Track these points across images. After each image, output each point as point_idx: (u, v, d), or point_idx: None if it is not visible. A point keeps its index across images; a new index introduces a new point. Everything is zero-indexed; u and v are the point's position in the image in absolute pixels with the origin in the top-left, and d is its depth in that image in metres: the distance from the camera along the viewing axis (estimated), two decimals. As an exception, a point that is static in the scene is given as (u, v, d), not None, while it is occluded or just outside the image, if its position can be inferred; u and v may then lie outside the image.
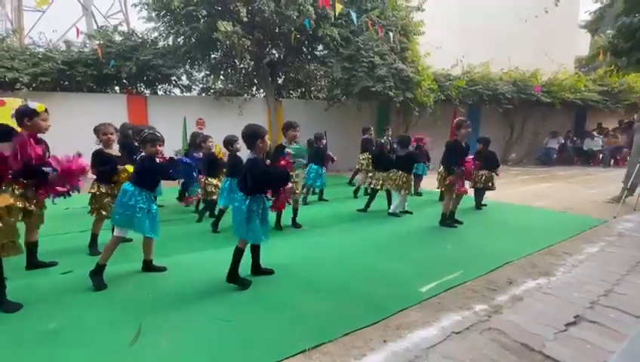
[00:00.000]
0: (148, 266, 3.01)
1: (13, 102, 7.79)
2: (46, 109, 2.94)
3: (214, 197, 4.91)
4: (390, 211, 5.16)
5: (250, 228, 2.65)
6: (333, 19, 9.34)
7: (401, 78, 9.52)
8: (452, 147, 4.54)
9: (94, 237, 3.50)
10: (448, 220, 4.57)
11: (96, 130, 3.50)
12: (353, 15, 7.92)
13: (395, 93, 9.37)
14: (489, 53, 13.14)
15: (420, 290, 2.66)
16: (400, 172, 5.10)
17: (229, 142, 4.63)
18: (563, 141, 14.03)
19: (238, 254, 2.73)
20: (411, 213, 5.28)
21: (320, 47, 11.27)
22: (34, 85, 8.63)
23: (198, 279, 2.85)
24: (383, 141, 5.85)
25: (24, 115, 2.80)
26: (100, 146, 3.44)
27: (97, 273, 2.72)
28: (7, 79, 8.15)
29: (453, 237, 4.15)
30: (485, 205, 5.59)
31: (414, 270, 3.09)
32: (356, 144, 8.26)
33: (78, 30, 9.34)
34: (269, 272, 2.94)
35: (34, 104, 2.90)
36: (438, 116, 11.40)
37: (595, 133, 14.13)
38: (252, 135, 2.70)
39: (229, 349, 1.95)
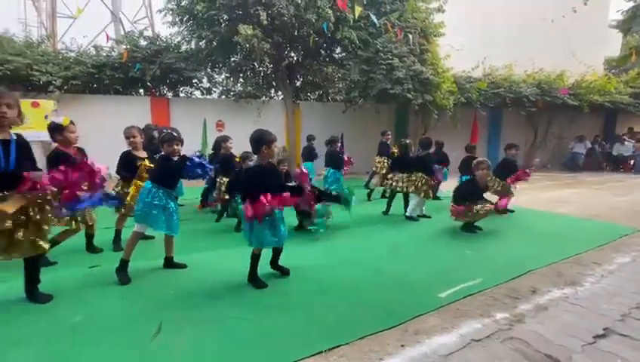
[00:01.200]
0: (169, 263, 3.10)
1: (47, 104, 8.22)
2: (71, 121, 3.07)
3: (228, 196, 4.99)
4: (407, 214, 5.09)
5: (254, 234, 2.66)
6: (352, 21, 9.35)
7: (420, 80, 9.41)
8: (468, 185, 4.59)
9: (118, 234, 3.64)
10: (469, 225, 4.47)
11: (126, 132, 3.66)
12: (373, 18, 7.90)
13: (414, 96, 9.26)
14: (511, 55, 12.79)
15: (438, 296, 2.61)
16: (420, 173, 5.05)
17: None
18: (590, 146, 13.42)
19: (253, 259, 2.77)
20: (429, 217, 5.19)
21: (338, 50, 11.29)
22: (65, 88, 9.07)
23: (218, 277, 2.91)
24: (408, 141, 5.79)
25: (54, 130, 2.98)
26: (129, 148, 3.59)
27: (122, 268, 2.83)
28: (41, 82, 8.60)
29: (473, 243, 4.05)
30: (512, 211, 5.40)
31: (432, 275, 3.03)
32: (374, 147, 8.22)
33: (107, 35, 9.74)
34: (285, 272, 2.95)
35: (59, 119, 3.06)
36: (457, 119, 11.19)
37: (625, 137, 13.45)
38: (258, 140, 2.70)
39: (247, 346, 1.97)
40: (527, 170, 5.26)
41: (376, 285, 2.82)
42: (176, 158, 2.95)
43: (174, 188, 3.05)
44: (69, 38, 10.78)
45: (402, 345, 2.01)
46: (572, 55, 13.02)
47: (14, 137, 2.26)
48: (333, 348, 1.96)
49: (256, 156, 2.85)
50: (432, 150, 5.45)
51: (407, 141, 5.82)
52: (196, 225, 4.69)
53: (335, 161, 6.19)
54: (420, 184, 5.01)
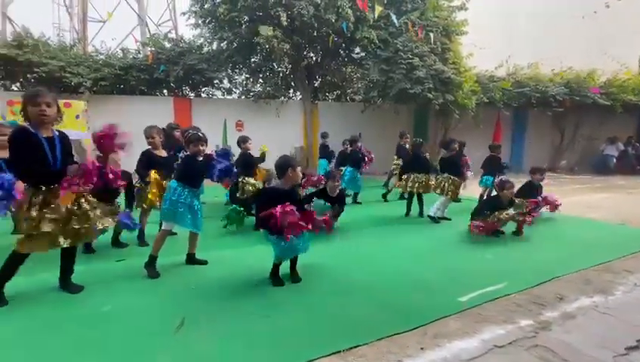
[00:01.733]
0: (191, 259, 3.18)
1: (78, 105, 8.62)
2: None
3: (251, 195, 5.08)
4: (431, 214, 4.98)
5: (280, 250, 2.70)
6: (371, 21, 9.29)
7: (441, 79, 9.23)
8: (492, 202, 4.56)
9: (142, 229, 3.77)
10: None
11: (145, 133, 3.79)
12: (393, 17, 7.82)
13: (435, 96, 9.09)
14: (537, 53, 12.33)
15: (458, 300, 2.56)
16: (445, 174, 4.97)
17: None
18: (623, 148, 12.72)
19: (276, 265, 2.82)
20: (450, 219, 5.08)
21: (357, 50, 11.24)
22: (95, 89, 9.48)
23: (237, 274, 2.96)
24: (421, 141, 5.71)
25: None
26: (149, 147, 3.72)
27: (150, 264, 2.94)
28: (72, 83, 9.03)
29: (495, 247, 3.94)
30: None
31: (452, 278, 2.97)
32: (392, 147, 8.13)
33: (135, 38, 10.11)
34: (296, 280, 2.89)
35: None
36: (479, 119, 10.90)
37: (662, 139, 12.69)
38: (284, 165, 2.75)
39: (265, 343, 2.00)
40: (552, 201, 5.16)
41: (394, 286, 2.79)
42: (200, 158, 3.03)
43: (199, 187, 3.13)
44: (99, 41, 11.29)
45: (422, 348, 1.98)
46: (604, 53, 12.40)
47: (57, 134, 2.39)
48: (352, 348, 1.97)
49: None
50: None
51: (421, 140, 5.73)
52: (216, 222, 4.78)
53: (355, 160, 6.18)
54: (446, 185, 4.93)
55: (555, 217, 5.26)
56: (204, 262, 3.18)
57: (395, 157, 7.60)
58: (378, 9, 7.85)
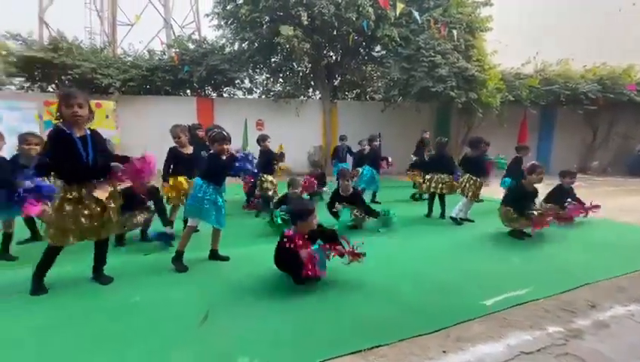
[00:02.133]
0: (214, 255, 3.27)
1: (107, 105, 9.03)
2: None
3: (270, 193, 5.16)
4: (452, 214, 4.87)
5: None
6: (392, 19, 9.18)
7: (464, 77, 9.01)
8: (515, 191, 4.30)
9: (170, 224, 3.89)
10: (517, 231, 4.20)
11: (171, 132, 3.92)
12: (415, 14, 7.69)
13: (457, 94, 8.88)
14: (568, 49, 11.78)
15: (482, 303, 2.49)
16: (468, 175, 4.86)
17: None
18: (661, 148, 11.97)
19: None
20: (473, 221, 4.95)
21: (377, 48, 11.15)
22: (123, 89, 9.88)
23: (259, 271, 3.01)
24: (446, 140, 5.58)
25: None
26: (175, 145, 3.85)
27: (177, 258, 3.04)
28: (103, 85, 9.45)
29: (521, 250, 3.80)
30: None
31: (475, 281, 2.90)
32: (414, 146, 8.01)
33: (161, 40, 10.46)
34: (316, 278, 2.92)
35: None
36: (504, 118, 10.55)
37: None
38: (295, 215, 2.77)
39: (287, 339, 2.03)
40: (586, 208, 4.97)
41: (415, 288, 2.76)
42: (224, 157, 3.11)
43: (222, 185, 3.20)
44: (127, 44, 11.76)
45: (444, 351, 1.95)
46: (641, 48, 11.70)
47: (89, 133, 2.52)
48: (373, 347, 1.96)
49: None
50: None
51: (444, 139, 5.59)
52: (237, 220, 4.88)
53: (373, 159, 6.14)
54: (467, 185, 4.81)
55: (587, 220, 5.02)
56: (226, 259, 3.25)
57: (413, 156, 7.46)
58: (400, 6, 7.75)
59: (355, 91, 13.25)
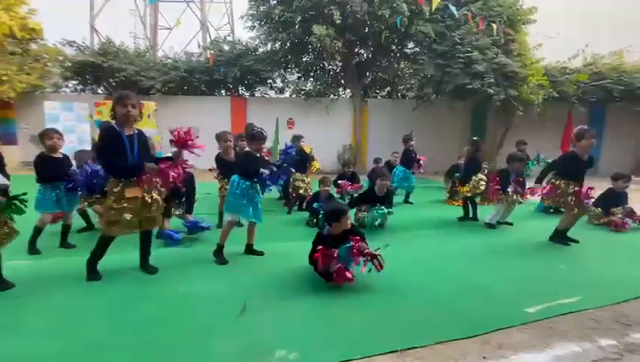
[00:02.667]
0: (249, 249, 3.37)
1: (149, 105, 9.56)
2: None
3: (301, 191, 5.22)
4: (487, 221, 4.63)
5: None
6: (427, 14, 8.93)
7: (503, 73, 8.58)
8: (568, 162, 3.81)
9: (221, 215, 4.21)
10: (561, 237, 3.95)
11: (218, 137, 4.08)
12: (452, 8, 7.43)
13: (496, 91, 8.48)
14: (622, 40, 10.83)
15: (525, 310, 2.37)
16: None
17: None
18: None
19: None
20: (511, 224, 4.71)
21: (410, 45, 10.91)
22: (163, 90, 10.44)
23: (293, 266, 3.07)
24: (475, 138, 5.36)
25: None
26: (220, 151, 4.03)
27: (219, 252, 3.18)
28: (145, 86, 10.05)
29: (567, 256, 3.57)
30: None
31: (516, 287, 2.77)
32: (446, 145, 7.78)
33: (199, 42, 10.93)
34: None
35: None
36: (546, 116, 9.92)
37: None
38: (330, 214, 2.80)
39: (322, 335, 2.05)
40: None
41: (452, 291, 2.68)
42: (258, 155, 3.20)
43: (257, 182, 3.27)
44: (168, 47, 12.41)
45: (484, 357, 1.88)
46: None
47: (136, 132, 2.70)
48: (409, 349, 1.94)
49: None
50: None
51: (475, 138, 5.35)
52: (269, 216, 4.99)
53: (407, 159, 6.04)
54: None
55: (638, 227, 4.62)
56: (260, 253, 3.34)
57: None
58: (435, 1, 7.52)
59: (386, 89, 13.06)
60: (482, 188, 4.79)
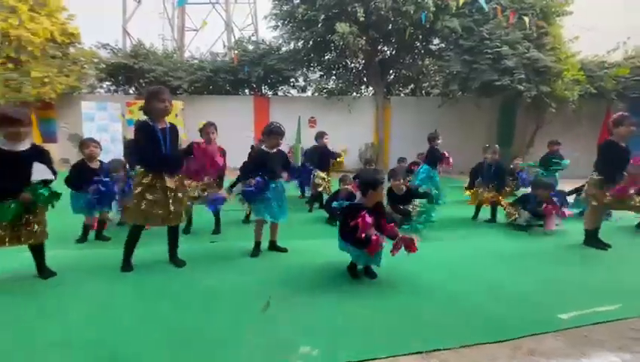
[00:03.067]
0: (273, 246, 3.42)
1: (176, 105, 9.89)
2: (206, 124, 3.71)
3: (320, 189, 5.23)
4: (518, 221, 4.42)
5: (358, 254, 2.71)
6: (454, 9, 8.67)
7: (535, 68, 8.20)
8: (607, 150, 3.53)
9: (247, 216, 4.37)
10: (594, 239, 3.73)
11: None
12: (482, 2, 7.17)
13: (526, 87, 8.12)
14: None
15: (559, 316, 2.27)
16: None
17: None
18: None
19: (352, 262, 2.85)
20: (542, 225, 4.49)
21: (436, 41, 10.64)
22: (190, 90, 10.77)
23: (317, 264, 3.09)
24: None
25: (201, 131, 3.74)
26: (257, 144, 4.14)
27: (255, 248, 3.29)
28: (173, 86, 10.41)
29: (604, 261, 3.37)
30: None
31: (550, 292, 2.65)
32: (472, 144, 7.54)
33: (224, 43, 11.19)
34: (372, 276, 2.86)
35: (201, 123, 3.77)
36: (582, 113, 9.39)
37: None
38: (365, 184, 2.72)
39: (346, 333, 2.05)
40: None
41: (478, 293, 2.60)
42: (274, 150, 3.20)
43: (277, 178, 3.26)
44: (194, 48, 12.79)
45: (514, 363, 1.82)
46: None
47: (168, 126, 2.81)
48: (434, 351, 1.90)
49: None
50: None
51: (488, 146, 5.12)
52: (292, 214, 5.03)
53: (432, 158, 5.90)
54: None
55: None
56: (284, 250, 3.39)
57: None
58: (463, -5, 7.30)
59: (409, 86, 12.82)
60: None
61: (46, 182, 2.55)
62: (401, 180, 4.43)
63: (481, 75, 8.45)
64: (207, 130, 3.70)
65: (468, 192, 4.97)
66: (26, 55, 9.59)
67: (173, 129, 2.85)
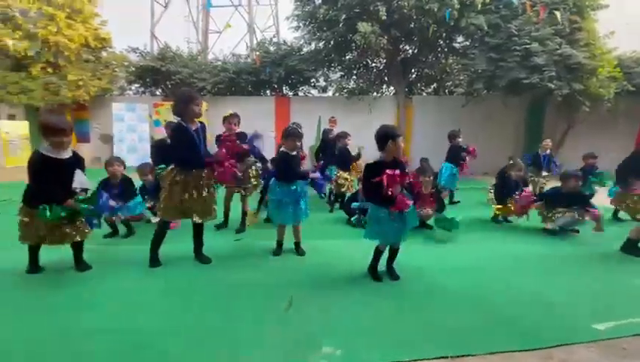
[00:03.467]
0: (296, 247, 3.43)
1: (201, 105, 10.19)
2: (232, 114, 3.88)
3: (343, 189, 5.21)
4: (559, 225, 4.18)
5: (378, 231, 2.68)
6: (479, 6, 8.42)
7: (567, 65, 7.83)
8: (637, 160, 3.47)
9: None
10: (633, 247, 3.51)
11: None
12: (510, -3, 6.92)
13: (557, 85, 7.76)
14: None
15: (593, 327, 2.16)
16: None
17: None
18: None
19: (376, 253, 2.82)
20: (578, 231, 4.26)
21: (460, 39, 10.36)
22: (214, 91, 11.03)
23: (337, 264, 3.10)
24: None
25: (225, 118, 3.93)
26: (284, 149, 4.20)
27: (278, 247, 3.35)
28: (197, 87, 10.70)
29: (644, 270, 3.18)
30: None
31: (582, 301, 2.52)
32: (498, 144, 7.29)
33: (247, 45, 11.38)
34: (395, 277, 2.83)
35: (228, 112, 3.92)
36: (618, 112, 8.87)
37: None
38: (382, 137, 2.64)
39: (368, 334, 2.05)
40: None
41: (506, 299, 2.52)
42: (294, 153, 3.20)
43: (294, 182, 3.20)
44: (218, 50, 13.10)
45: (545, 373, 1.76)
46: None
47: (199, 125, 2.93)
48: (459, 356, 1.87)
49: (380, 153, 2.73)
50: None
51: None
52: (314, 214, 5.05)
53: (454, 156, 5.77)
54: None
55: None
56: (300, 254, 3.35)
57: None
58: (490, -9, 7.07)
59: (432, 85, 12.56)
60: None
61: (85, 190, 2.70)
62: (431, 177, 4.28)
63: (508, 72, 8.15)
64: (231, 120, 3.82)
65: (498, 209, 4.70)
66: (63, 60, 10.17)
67: (203, 128, 2.97)
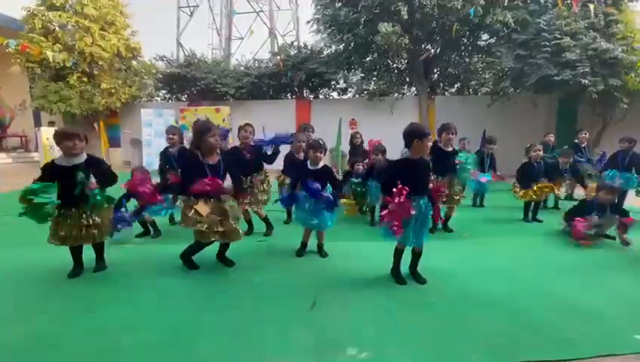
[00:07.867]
0: (318, 249, 3.44)
1: (224, 110, 10.46)
2: (247, 124, 3.98)
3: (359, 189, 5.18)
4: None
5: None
6: (506, 2, 8.14)
7: (602, 60, 7.41)
8: None
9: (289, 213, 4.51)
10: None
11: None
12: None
13: (592, 81, 7.36)
14: None
15: (635, 337, 2.03)
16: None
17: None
18: None
19: (396, 253, 2.79)
20: (614, 238, 4.00)
21: (485, 37, 10.06)
22: (236, 95, 11.31)
23: (360, 266, 3.08)
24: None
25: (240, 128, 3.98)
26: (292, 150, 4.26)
27: (301, 248, 3.41)
28: (220, 92, 11.01)
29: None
30: None
31: (623, 310, 2.37)
32: (527, 145, 6.97)
33: (269, 49, 11.58)
34: (422, 281, 2.77)
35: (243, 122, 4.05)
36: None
37: None
38: (410, 134, 2.61)
39: (395, 339, 2.02)
40: None
41: (541, 306, 2.40)
42: (315, 167, 3.21)
43: (314, 192, 3.12)
44: (240, 55, 13.42)
45: (583, 385, 1.66)
46: None
47: (220, 159, 2.92)
48: (491, 364, 1.80)
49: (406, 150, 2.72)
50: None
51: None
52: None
53: (491, 162, 5.66)
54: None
55: None
56: (323, 256, 3.36)
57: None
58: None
59: (455, 85, 12.25)
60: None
61: (104, 186, 2.82)
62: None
63: (537, 69, 7.82)
64: (246, 130, 3.92)
65: (521, 192, 4.62)
66: (97, 69, 10.77)
67: (226, 158, 2.96)
